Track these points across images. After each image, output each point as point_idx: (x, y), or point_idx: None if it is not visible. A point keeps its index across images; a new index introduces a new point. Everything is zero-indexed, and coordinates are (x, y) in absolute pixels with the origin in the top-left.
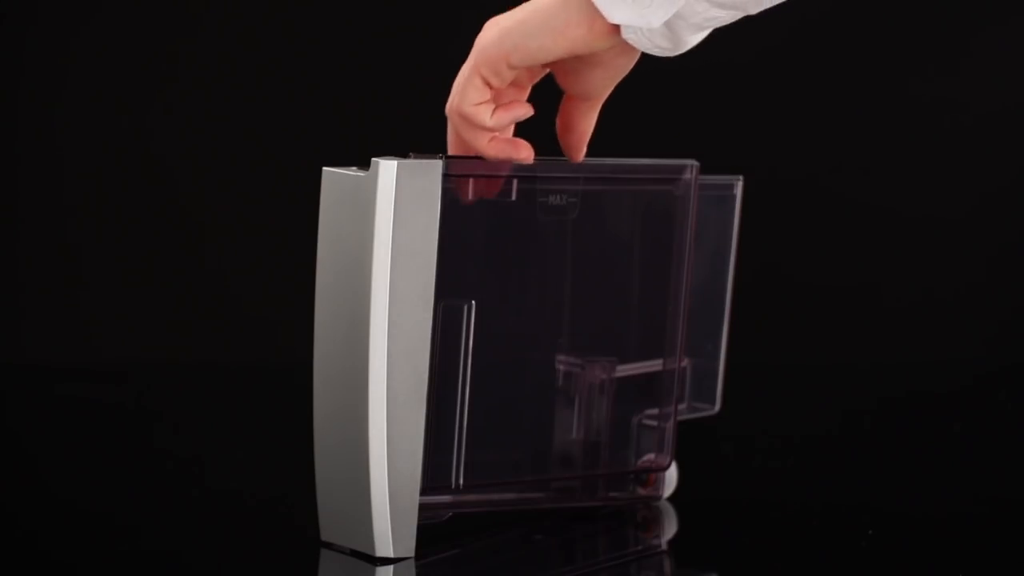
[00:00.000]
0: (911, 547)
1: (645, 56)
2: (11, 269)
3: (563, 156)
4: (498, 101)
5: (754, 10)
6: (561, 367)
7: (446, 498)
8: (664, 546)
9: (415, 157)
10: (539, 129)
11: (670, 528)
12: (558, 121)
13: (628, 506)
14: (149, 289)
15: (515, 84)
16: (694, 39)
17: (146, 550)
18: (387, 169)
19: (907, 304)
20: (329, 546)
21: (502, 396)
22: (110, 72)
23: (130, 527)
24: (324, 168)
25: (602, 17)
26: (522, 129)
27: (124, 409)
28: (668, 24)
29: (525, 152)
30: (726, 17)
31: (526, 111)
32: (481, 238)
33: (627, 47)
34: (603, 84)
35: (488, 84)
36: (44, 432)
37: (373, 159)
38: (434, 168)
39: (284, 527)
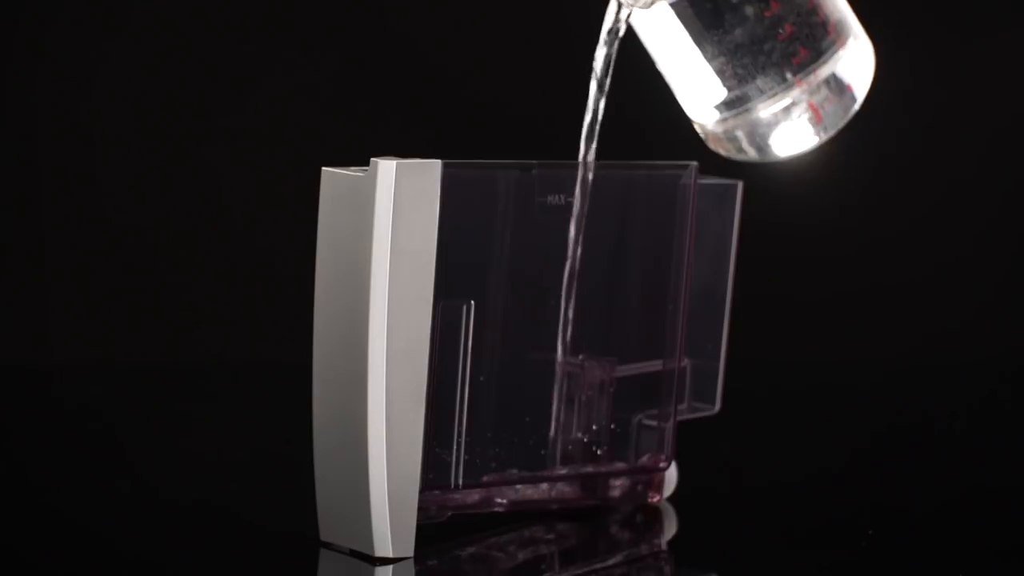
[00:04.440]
0: (911, 547)
1: (646, 58)
2: (13, 269)
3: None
4: None
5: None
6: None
7: (446, 498)
8: (664, 546)
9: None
10: (540, 129)
11: (670, 528)
12: None
13: (628, 506)
14: (148, 289)
15: None
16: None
17: (145, 550)
18: (386, 169)
19: (907, 305)
20: (328, 546)
21: (501, 396)
22: (101, 68)
23: (129, 527)
24: (323, 168)
25: None
26: (521, 130)
27: (123, 409)
28: None
29: None
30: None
31: None
32: (481, 238)
33: None
34: None
35: None
36: (42, 433)
37: (372, 159)
38: (433, 168)
39: (284, 527)
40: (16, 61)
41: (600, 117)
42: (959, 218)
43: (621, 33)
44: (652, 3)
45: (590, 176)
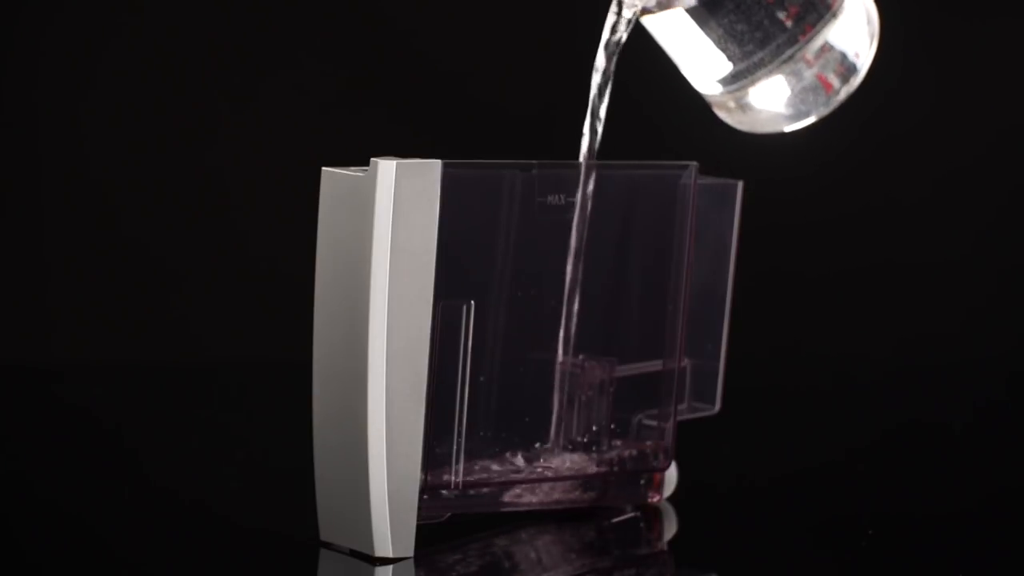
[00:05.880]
0: (911, 547)
1: (646, 58)
2: (13, 269)
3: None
4: None
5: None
6: (561, 367)
7: (445, 498)
8: (664, 546)
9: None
10: (540, 129)
11: (670, 528)
12: None
13: (628, 506)
14: (148, 288)
15: None
16: None
17: (145, 550)
18: (386, 169)
19: (909, 304)
20: (328, 546)
21: (501, 396)
22: (101, 68)
23: (129, 527)
24: (323, 168)
25: None
26: (522, 130)
27: (123, 409)
28: None
29: None
30: None
31: None
32: (480, 238)
33: None
34: None
35: None
36: (41, 433)
37: (372, 159)
38: (433, 168)
39: (284, 527)
40: (16, 61)
41: (600, 129)
42: (960, 218)
43: (622, 41)
44: (662, 8)
45: (591, 182)
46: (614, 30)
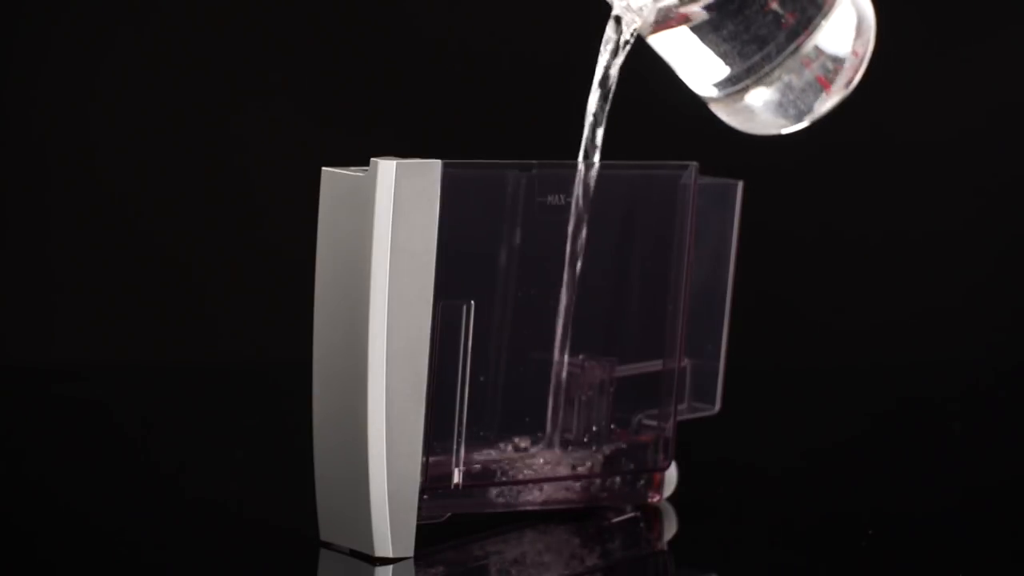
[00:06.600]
0: (911, 547)
1: (645, 58)
2: (14, 269)
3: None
4: None
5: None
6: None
7: (445, 498)
8: (664, 546)
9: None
10: (540, 129)
11: (670, 528)
12: None
13: (628, 506)
14: (148, 290)
15: None
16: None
17: (146, 549)
18: (386, 169)
19: (907, 305)
20: (328, 546)
21: (501, 396)
22: (103, 68)
23: (130, 528)
24: (323, 168)
25: None
26: (524, 130)
27: (122, 410)
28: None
29: None
30: None
31: None
32: (480, 238)
33: None
34: None
35: None
36: (42, 433)
37: (372, 159)
38: (433, 168)
39: (284, 527)
40: (19, 61)
41: (600, 139)
42: (958, 216)
43: (622, 57)
44: (665, 26)
45: (592, 180)
46: (614, 54)
